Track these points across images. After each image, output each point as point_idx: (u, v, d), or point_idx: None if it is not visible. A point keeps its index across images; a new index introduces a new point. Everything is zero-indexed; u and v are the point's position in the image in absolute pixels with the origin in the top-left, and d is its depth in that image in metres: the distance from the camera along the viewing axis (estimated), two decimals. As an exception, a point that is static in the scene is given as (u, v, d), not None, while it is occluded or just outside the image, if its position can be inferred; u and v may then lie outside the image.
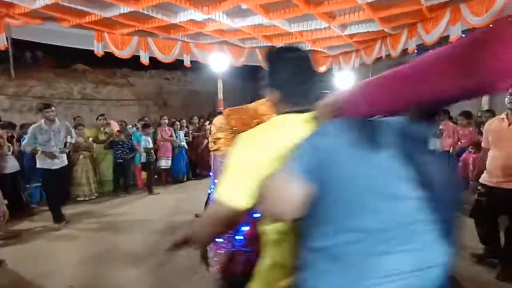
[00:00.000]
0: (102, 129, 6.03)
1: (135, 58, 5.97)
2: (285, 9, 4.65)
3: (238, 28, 5.34)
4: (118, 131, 6.10)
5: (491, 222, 2.70)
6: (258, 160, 0.83)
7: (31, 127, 4.17)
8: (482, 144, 2.83)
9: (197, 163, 7.12)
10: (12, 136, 4.81)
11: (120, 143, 5.89)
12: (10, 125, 4.96)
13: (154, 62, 6.28)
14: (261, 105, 1.91)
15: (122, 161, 5.88)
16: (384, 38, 6.09)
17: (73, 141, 4.50)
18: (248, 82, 11.66)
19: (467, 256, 2.85)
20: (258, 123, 1.87)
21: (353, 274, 0.66)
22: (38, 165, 4.13)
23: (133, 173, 6.34)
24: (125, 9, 4.41)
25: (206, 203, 4.00)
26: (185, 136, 6.97)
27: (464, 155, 4.54)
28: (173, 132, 6.63)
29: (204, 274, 2.86)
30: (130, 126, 6.71)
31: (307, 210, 0.71)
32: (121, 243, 3.67)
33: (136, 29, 5.35)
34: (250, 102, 2.14)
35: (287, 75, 0.92)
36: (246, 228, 1.77)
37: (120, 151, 5.87)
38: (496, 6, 3.95)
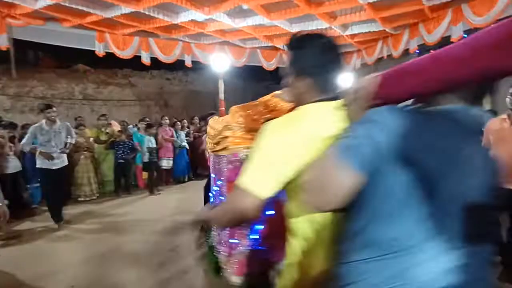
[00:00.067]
0: (103, 129, 6.03)
1: (136, 59, 5.98)
2: (286, 9, 4.65)
3: (239, 28, 5.33)
4: (119, 131, 6.11)
5: None
6: (288, 148, 0.81)
7: (32, 127, 4.18)
8: (483, 144, 2.81)
9: (198, 164, 7.11)
10: (14, 136, 4.81)
11: (121, 143, 5.90)
12: (12, 125, 4.97)
13: (155, 63, 6.29)
14: (269, 101, 1.88)
15: (123, 161, 5.89)
16: (385, 38, 6.08)
17: (73, 142, 4.50)
18: (249, 82, 11.67)
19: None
20: (269, 119, 1.85)
21: (402, 265, 0.66)
22: (37, 165, 4.14)
23: (134, 173, 6.35)
24: (126, 9, 4.41)
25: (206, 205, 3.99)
26: (186, 136, 6.97)
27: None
28: (174, 132, 6.63)
29: (204, 275, 2.86)
30: (131, 126, 6.71)
31: (354, 200, 0.70)
32: (122, 243, 3.67)
33: (137, 29, 5.35)
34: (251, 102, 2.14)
35: (318, 61, 0.89)
36: (260, 227, 1.75)
37: (121, 151, 5.87)
38: (498, 6, 3.94)
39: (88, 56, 6.37)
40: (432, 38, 4.95)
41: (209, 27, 5.39)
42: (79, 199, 5.48)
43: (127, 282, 2.79)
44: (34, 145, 4.10)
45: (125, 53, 5.71)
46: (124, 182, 6.05)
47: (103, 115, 6.47)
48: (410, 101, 0.78)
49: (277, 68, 7.32)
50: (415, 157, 0.66)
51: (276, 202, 1.79)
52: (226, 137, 2.04)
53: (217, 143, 2.35)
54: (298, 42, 0.93)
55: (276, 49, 6.87)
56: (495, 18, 4.07)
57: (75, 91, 8.90)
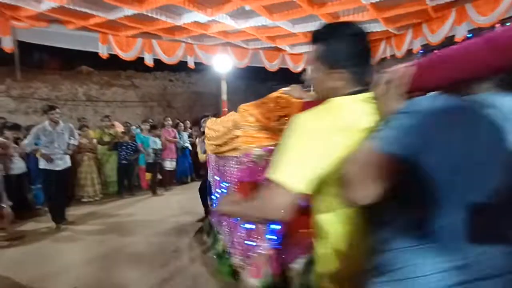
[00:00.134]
0: (106, 130, 6.06)
1: (140, 60, 6.00)
2: (289, 10, 4.64)
3: (242, 29, 5.33)
4: (122, 132, 6.13)
5: None
6: (323, 141, 0.79)
7: (35, 128, 4.21)
8: None
9: (201, 165, 7.11)
10: (18, 138, 4.85)
11: (124, 144, 5.92)
12: (16, 127, 5.01)
13: (158, 64, 6.30)
14: (279, 98, 1.85)
15: (126, 162, 5.91)
16: (388, 39, 6.05)
17: (76, 143, 4.53)
18: (252, 83, 11.67)
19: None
20: (281, 116, 1.82)
21: (451, 256, 0.65)
22: (40, 166, 4.16)
23: (137, 174, 6.37)
24: (129, 11, 4.43)
25: (206, 207, 3.95)
26: (189, 137, 6.98)
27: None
28: (176, 133, 6.65)
29: (208, 276, 2.85)
30: (134, 127, 6.74)
31: (397, 191, 0.69)
32: (125, 244, 3.68)
33: (141, 31, 5.37)
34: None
35: (353, 53, 0.86)
36: (277, 227, 1.74)
37: (124, 152, 5.90)
38: (502, 5, 3.91)
39: (91, 58, 6.40)
40: (435, 38, 4.92)
41: (212, 29, 5.40)
42: (83, 200, 5.51)
43: (130, 282, 2.79)
44: (36, 146, 4.12)
45: (128, 55, 5.73)
46: (127, 183, 6.07)
47: (107, 116, 6.50)
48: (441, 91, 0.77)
49: (280, 69, 7.32)
50: (436, 150, 0.65)
51: None
52: (237, 137, 1.99)
53: (223, 144, 2.30)
54: (330, 33, 0.89)
55: (279, 50, 6.86)
56: (499, 18, 4.04)
57: (79, 92, 8.96)
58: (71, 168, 4.65)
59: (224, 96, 7.11)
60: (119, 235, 3.96)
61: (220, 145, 2.37)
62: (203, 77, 10.38)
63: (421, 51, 5.78)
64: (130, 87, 9.96)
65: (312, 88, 1.00)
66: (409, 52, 5.74)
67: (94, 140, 5.87)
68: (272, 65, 7.08)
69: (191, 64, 6.44)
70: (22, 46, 5.36)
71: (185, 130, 6.95)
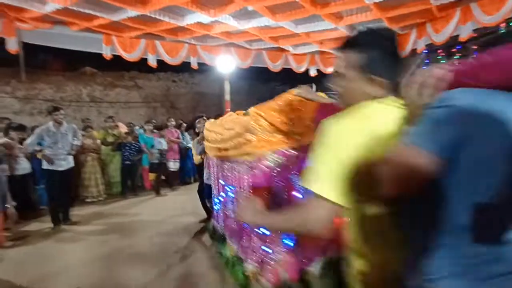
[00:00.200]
0: (110, 131, 6.09)
1: (143, 61, 6.02)
2: (292, 10, 4.63)
3: (245, 30, 5.33)
4: (126, 133, 6.16)
5: None
6: (359, 149, 0.78)
7: (39, 128, 4.24)
8: None
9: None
10: (23, 139, 4.88)
11: (128, 145, 5.95)
12: (21, 128, 5.04)
13: (162, 65, 6.32)
14: (292, 101, 1.83)
15: (129, 162, 5.93)
16: (392, 39, 6.01)
17: (79, 144, 4.55)
18: (255, 84, 11.67)
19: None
20: (295, 119, 1.79)
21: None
22: (43, 166, 4.19)
23: (140, 174, 6.39)
24: (132, 12, 4.44)
25: (207, 210, 3.92)
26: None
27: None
28: (180, 134, 6.66)
29: (212, 275, 2.85)
30: (137, 127, 6.76)
31: (437, 189, 0.68)
32: (128, 244, 3.69)
33: (144, 32, 5.39)
34: (257, 103, 2.06)
35: (389, 60, 0.87)
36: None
37: (127, 153, 5.92)
38: (508, 4, 3.87)
39: (95, 59, 6.44)
40: (440, 37, 4.88)
41: (215, 29, 5.40)
42: (87, 200, 5.53)
43: (133, 283, 2.79)
44: (40, 146, 4.15)
45: (131, 56, 5.76)
46: (130, 184, 6.09)
47: (110, 117, 6.53)
48: None
49: (283, 69, 7.31)
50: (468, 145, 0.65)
51: None
52: (249, 141, 1.95)
53: (230, 148, 2.23)
54: (368, 40, 0.88)
55: (282, 50, 6.85)
56: (504, 17, 4.00)
57: (83, 93, 9.03)
58: (75, 168, 4.68)
59: (227, 97, 7.12)
60: (122, 235, 3.97)
61: (226, 149, 2.32)
62: (206, 77, 10.41)
63: (425, 51, 5.74)
64: (133, 88, 10.01)
65: (336, 94, 0.98)
66: (413, 51, 5.70)
67: (98, 141, 5.90)
68: (275, 66, 7.07)
69: (194, 65, 6.45)
70: (27, 47, 5.41)
71: (187, 130, 6.96)
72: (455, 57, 6.18)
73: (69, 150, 4.30)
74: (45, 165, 4.17)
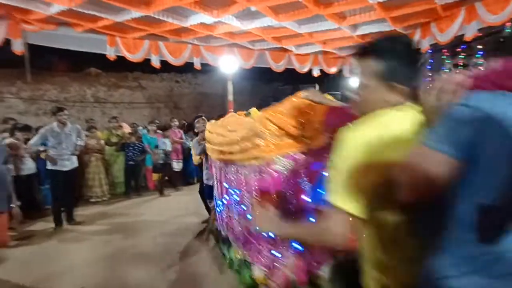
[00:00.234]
0: (114, 131, 6.13)
1: (146, 62, 6.04)
2: (294, 10, 4.61)
3: (248, 30, 5.33)
4: (129, 133, 6.19)
5: None
6: (380, 157, 0.77)
7: (43, 128, 4.29)
8: None
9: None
10: (29, 139, 4.93)
11: (131, 145, 5.97)
12: (26, 128, 5.09)
13: (165, 65, 6.34)
14: (301, 104, 1.81)
15: (133, 163, 5.96)
16: (396, 38, 5.97)
17: (82, 144, 4.58)
18: (258, 84, 11.68)
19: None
20: (304, 123, 1.78)
21: None
22: (48, 167, 4.23)
23: (144, 175, 6.41)
24: (136, 13, 4.46)
25: (209, 211, 3.90)
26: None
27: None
28: (183, 134, 6.68)
29: (215, 276, 2.85)
30: (141, 128, 6.79)
31: (455, 194, 0.67)
32: (132, 244, 3.71)
33: (148, 33, 5.41)
34: (260, 103, 2.05)
35: (410, 68, 0.87)
36: None
37: (131, 153, 5.95)
38: (513, 3, 3.82)
39: (99, 60, 6.47)
40: (444, 37, 4.84)
41: (218, 30, 5.41)
42: (91, 200, 5.57)
43: (136, 282, 2.81)
44: (44, 146, 4.19)
45: (135, 57, 5.78)
46: (134, 184, 6.12)
47: (114, 117, 6.57)
48: None
49: (286, 70, 7.29)
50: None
51: (316, 209, 1.73)
52: (257, 145, 1.93)
53: (235, 152, 2.20)
54: (390, 49, 0.87)
55: (285, 50, 6.84)
56: (510, 16, 3.95)
57: (87, 94, 9.09)
58: (79, 168, 4.71)
59: (230, 97, 7.12)
60: (126, 235, 3.99)
61: (231, 152, 2.30)
62: (209, 78, 10.43)
63: (430, 51, 5.69)
64: (137, 89, 10.05)
65: (354, 102, 0.97)
66: (418, 51, 5.66)
67: (102, 141, 5.93)
68: (278, 66, 7.06)
69: (197, 65, 6.46)
70: (32, 48, 5.45)
71: (187, 132, 6.97)
72: (459, 57, 6.13)
73: (73, 151, 4.33)
74: (49, 166, 4.20)
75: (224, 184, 2.58)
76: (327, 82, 9.38)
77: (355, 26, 5.40)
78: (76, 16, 4.57)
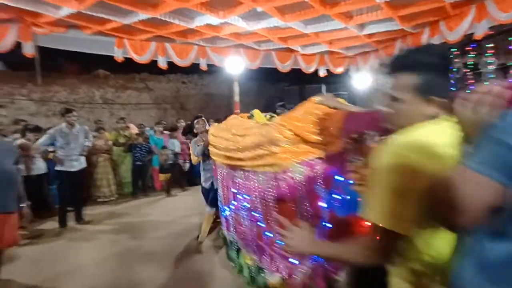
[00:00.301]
0: (121, 132, 6.20)
1: (153, 63, 6.10)
2: (301, 10, 4.60)
3: (254, 31, 5.33)
4: (136, 134, 6.25)
5: None
6: (421, 173, 0.75)
7: (52, 129, 4.36)
8: None
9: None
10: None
11: (139, 146, 6.03)
12: (37, 129, 5.18)
13: (172, 67, 6.39)
14: (317, 110, 1.79)
15: (140, 163, 6.02)
16: (404, 38, 5.90)
17: (90, 145, 4.64)
18: (264, 84, 11.67)
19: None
20: (321, 129, 1.76)
21: None
22: (56, 167, 4.30)
23: (151, 175, 6.46)
24: (143, 16, 4.51)
25: (215, 220, 3.83)
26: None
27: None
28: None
29: (221, 276, 2.85)
30: (148, 128, 6.85)
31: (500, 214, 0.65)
32: (139, 244, 3.74)
33: (154, 35, 5.46)
34: (266, 104, 2.03)
35: (444, 80, 0.86)
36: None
37: (138, 154, 6.01)
38: (525, 1, 3.74)
39: (107, 62, 6.56)
40: (454, 36, 4.75)
41: (224, 31, 5.43)
42: (99, 200, 5.64)
43: (143, 282, 2.83)
44: (53, 146, 4.26)
45: (142, 58, 5.84)
46: (141, 184, 6.17)
47: (122, 118, 6.64)
48: None
49: (292, 70, 7.27)
50: None
51: (332, 215, 1.72)
52: (274, 153, 1.91)
53: (246, 159, 2.18)
54: (420, 60, 0.85)
55: (291, 50, 6.82)
56: (522, 13, 3.87)
57: (96, 95, 9.21)
58: (87, 169, 4.77)
59: (237, 98, 7.13)
60: (133, 235, 4.02)
61: (240, 158, 2.26)
62: (216, 79, 10.46)
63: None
64: (144, 90, 10.15)
65: (388, 115, 0.95)
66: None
67: (110, 142, 6.00)
68: (284, 66, 7.04)
69: (203, 66, 6.49)
70: (42, 51, 5.55)
71: (186, 134, 7.00)
72: (469, 55, 6.02)
73: (81, 151, 4.39)
74: (58, 166, 4.27)
75: (232, 189, 2.55)
76: (334, 82, 9.34)
77: (362, 26, 5.35)
78: (85, 18, 4.64)
